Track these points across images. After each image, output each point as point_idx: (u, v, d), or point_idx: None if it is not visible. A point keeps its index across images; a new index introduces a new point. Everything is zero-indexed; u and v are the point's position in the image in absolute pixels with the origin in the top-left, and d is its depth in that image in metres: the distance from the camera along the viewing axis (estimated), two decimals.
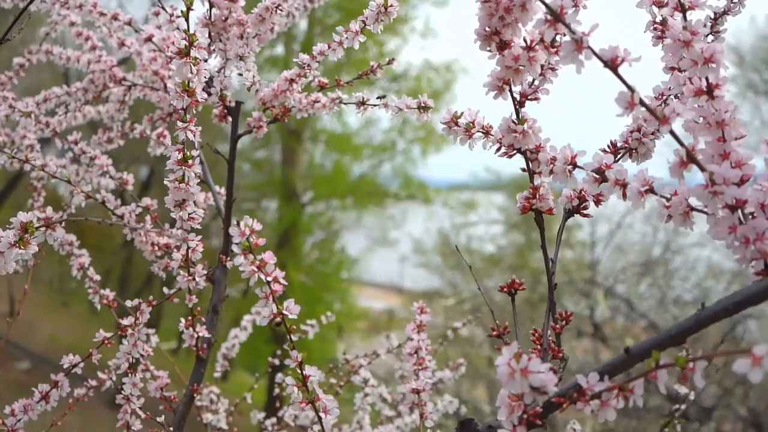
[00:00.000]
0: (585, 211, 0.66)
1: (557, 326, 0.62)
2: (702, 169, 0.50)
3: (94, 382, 1.09)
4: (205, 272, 0.90)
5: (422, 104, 0.83)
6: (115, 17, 1.08)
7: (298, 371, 0.64)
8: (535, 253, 9.23)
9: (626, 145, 0.67)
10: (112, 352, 0.96)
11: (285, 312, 0.62)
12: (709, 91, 0.53)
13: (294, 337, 0.64)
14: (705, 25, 0.70)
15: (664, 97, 0.68)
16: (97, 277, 1.08)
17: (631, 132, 0.67)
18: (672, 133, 0.50)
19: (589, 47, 0.49)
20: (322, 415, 0.63)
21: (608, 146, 0.68)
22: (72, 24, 1.17)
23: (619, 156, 0.67)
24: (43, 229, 0.67)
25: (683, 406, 1.10)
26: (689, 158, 0.50)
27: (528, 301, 7.29)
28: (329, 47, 0.91)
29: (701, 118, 0.54)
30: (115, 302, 1.04)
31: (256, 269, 0.61)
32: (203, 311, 0.96)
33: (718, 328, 6.31)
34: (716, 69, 0.52)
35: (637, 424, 6.11)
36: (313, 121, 12.19)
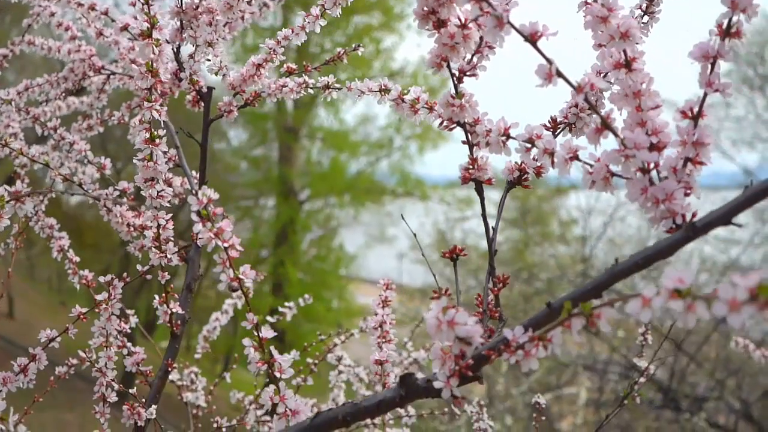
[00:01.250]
0: (526, 183, 0.70)
1: (495, 289, 0.65)
2: (615, 135, 0.54)
3: (74, 360, 1.13)
4: (177, 249, 0.93)
5: (383, 87, 0.86)
6: (92, 7, 1.12)
7: (255, 333, 0.68)
8: (531, 249, 9.28)
9: (565, 120, 0.71)
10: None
11: (241, 276, 0.66)
12: (627, 64, 0.57)
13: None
14: (640, 6, 0.74)
15: (602, 74, 0.71)
16: (77, 259, 1.12)
17: (570, 107, 0.71)
18: (587, 101, 0.54)
19: (509, 23, 0.53)
20: (277, 374, 0.67)
21: (548, 121, 0.71)
22: (52, 15, 1.21)
23: (558, 130, 0.71)
24: (12, 202, 0.71)
25: (642, 379, 1.14)
26: (604, 125, 0.54)
27: (523, 294, 7.34)
28: (293, 32, 0.95)
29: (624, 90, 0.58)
30: (93, 282, 1.08)
31: (213, 236, 0.65)
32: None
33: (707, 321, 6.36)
34: (632, 43, 0.56)
35: (630, 417, 6.16)
36: (310, 118, 12.23)
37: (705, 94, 0.55)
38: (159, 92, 0.76)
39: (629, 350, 6.53)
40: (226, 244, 0.65)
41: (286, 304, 1.45)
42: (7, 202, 0.68)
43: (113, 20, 1.12)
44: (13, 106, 1.13)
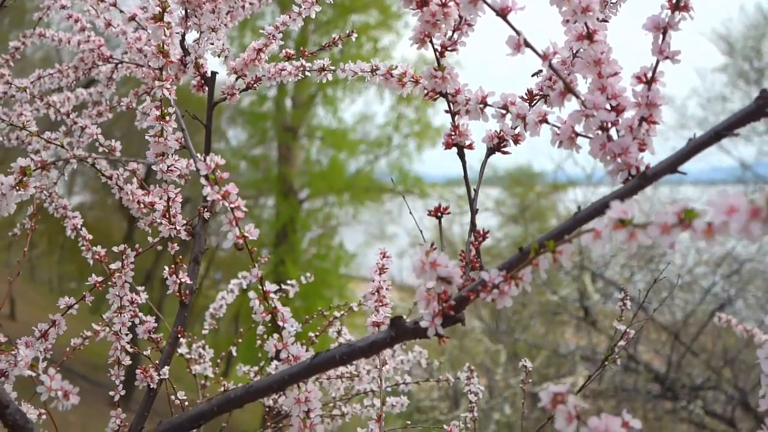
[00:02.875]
0: (505, 149, 0.77)
1: (476, 243, 0.72)
2: (577, 97, 0.61)
3: (88, 333, 1.19)
4: (185, 222, 1.01)
5: (374, 68, 0.93)
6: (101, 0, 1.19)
7: (259, 287, 0.75)
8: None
9: (540, 92, 0.78)
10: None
11: (246, 234, 0.73)
12: (589, 36, 0.64)
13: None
14: None
15: (575, 51, 0.78)
16: (89, 236, 1.19)
17: (544, 81, 0.78)
18: (551, 68, 0.61)
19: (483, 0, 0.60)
20: (280, 323, 0.74)
21: (525, 93, 0.78)
22: (63, 7, 1.28)
23: (534, 101, 0.78)
24: (39, 171, 0.78)
25: (622, 342, 1.21)
26: (567, 89, 0.61)
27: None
28: (290, 17, 1.02)
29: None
30: (106, 257, 1.15)
31: (221, 197, 0.72)
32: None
33: (705, 311, 6.44)
34: (593, 17, 0.63)
35: (628, 407, 6.23)
36: (309, 117, 12.29)
37: (657, 61, 0.62)
38: (170, 71, 0.83)
39: (627, 343, 6.59)
40: (232, 205, 0.72)
41: (288, 282, 1.52)
42: (34, 170, 0.75)
43: (121, 11, 1.18)
44: (27, 93, 1.20)
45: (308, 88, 11.73)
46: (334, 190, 11.98)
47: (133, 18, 1.15)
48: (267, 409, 1.46)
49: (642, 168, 0.60)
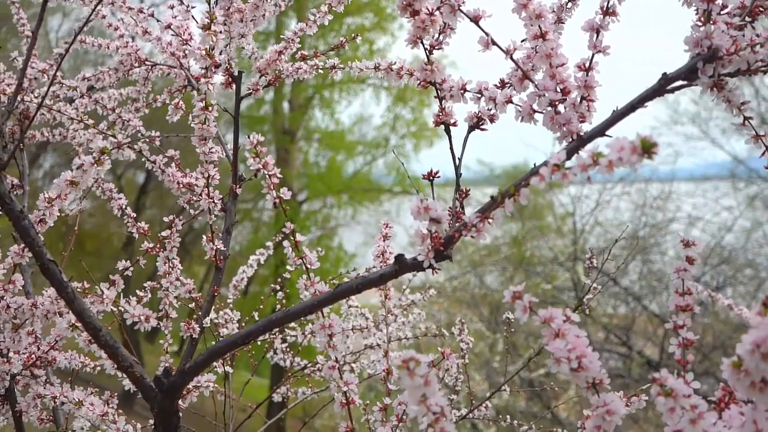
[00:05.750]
0: (483, 126, 0.97)
1: (460, 198, 0.93)
2: (532, 82, 0.82)
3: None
4: (221, 197, 1.21)
5: (377, 65, 1.13)
6: (140, 11, 1.39)
7: (292, 237, 0.95)
8: (530, 243, 9.56)
9: (510, 81, 0.98)
10: None
11: (281, 195, 0.93)
12: (543, 35, 0.84)
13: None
14: None
15: (532, 47, 0.98)
16: (134, 214, 1.39)
17: (512, 70, 0.98)
18: (513, 60, 0.82)
19: (460, 9, 0.81)
20: (308, 264, 0.94)
21: (499, 82, 0.99)
22: (104, 17, 1.48)
23: (506, 87, 0.98)
24: (115, 150, 0.98)
25: (589, 295, 1.41)
26: (524, 76, 0.82)
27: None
28: (306, 25, 1.22)
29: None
30: (149, 231, 1.35)
31: (261, 167, 0.92)
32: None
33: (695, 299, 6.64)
34: (545, 21, 0.83)
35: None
36: (306, 120, 12.48)
37: (592, 54, 0.82)
38: (213, 69, 1.03)
39: (622, 331, 6.81)
40: (270, 173, 0.93)
41: (289, 267, 1.71)
42: (111, 150, 0.95)
43: (158, 20, 1.39)
44: (78, 92, 1.41)
45: (305, 91, 11.95)
46: (333, 192, 12.18)
47: (168, 26, 1.36)
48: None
49: (582, 134, 0.81)
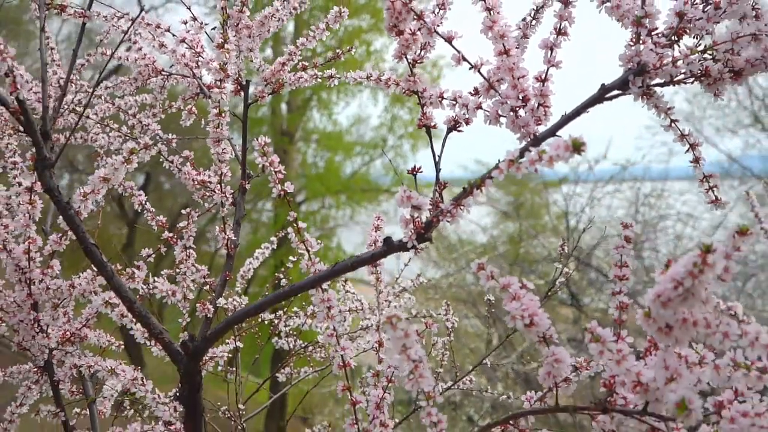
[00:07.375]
0: (459, 128, 1.13)
1: (439, 188, 1.09)
2: (496, 91, 0.98)
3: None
4: (233, 191, 1.37)
5: (369, 75, 1.29)
6: (158, 26, 1.55)
7: (295, 225, 1.11)
8: (526, 242, 9.73)
9: (480, 90, 1.14)
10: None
11: (285, 188, 1.09)
12: (506, 52, 1.00)
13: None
14: (530, 14, 1.18)
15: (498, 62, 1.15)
16: (153, 210, 1.55)
17: (481, 82, 1.14)
18: (480, 73, 0.98)
19: (436, 31, 0.97)
20: (309, 248, 1.10)
21: (473, 89, 1.15)
22: (124, 32, 1.63)
23: (479, 95, 1.14)
24: (143, 150, 1.13)
25: (561, 278, 1.57)
26: (489, 86, 0.98)
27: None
28: (307, 39, 1.38)
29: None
30: (167, 224, 1.51)
31: (268, 164, 1.08)
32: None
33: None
34: (508, 40, 1.00)
35: None
36: (304, 121, 12.63)
37: (547, 68, 0.99)
38: (224, 80, 1.19)
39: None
40: (276, 169, 1.09)
41: (291, 258, 1.88)
42: (139, 150, 1.10)
43: (174, 35, 1.55)
44: (102, 99, 1.57)
45: (303, 93, 12.11)
46: (331, 192, 12.33)
47: (183, 40, 1.52)
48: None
49: (538, 135, 0.97)
